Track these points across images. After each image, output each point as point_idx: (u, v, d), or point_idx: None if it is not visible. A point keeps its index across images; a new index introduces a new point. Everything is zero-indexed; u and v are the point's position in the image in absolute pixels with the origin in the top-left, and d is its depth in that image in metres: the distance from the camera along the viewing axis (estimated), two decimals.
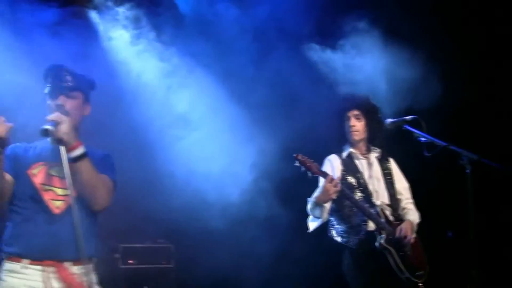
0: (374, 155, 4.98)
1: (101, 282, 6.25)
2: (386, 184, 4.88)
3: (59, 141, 2.89)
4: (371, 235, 4.60)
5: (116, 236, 6.39)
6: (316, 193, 4.60)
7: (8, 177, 3.02)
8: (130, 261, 6.46)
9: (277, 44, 6.19)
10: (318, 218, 4.63)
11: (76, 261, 3.09)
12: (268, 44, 6.21)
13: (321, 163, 4.87)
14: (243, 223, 6.38)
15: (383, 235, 4.55)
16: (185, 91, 6.22)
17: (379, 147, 5.01)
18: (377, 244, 4.55)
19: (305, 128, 5.98)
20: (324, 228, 4.83)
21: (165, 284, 6.44)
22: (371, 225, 4.63)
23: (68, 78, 3.08)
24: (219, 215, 6.23)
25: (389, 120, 4.67)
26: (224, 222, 6.26)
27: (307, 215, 4.73)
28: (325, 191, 4.45)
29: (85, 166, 2.96)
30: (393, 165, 5.05)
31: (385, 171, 4.94)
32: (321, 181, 4.59)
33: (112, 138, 5.48)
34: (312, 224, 4.72)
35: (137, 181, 6.07)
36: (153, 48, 6.12)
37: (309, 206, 4.67)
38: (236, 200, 6.20)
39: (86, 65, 4.38)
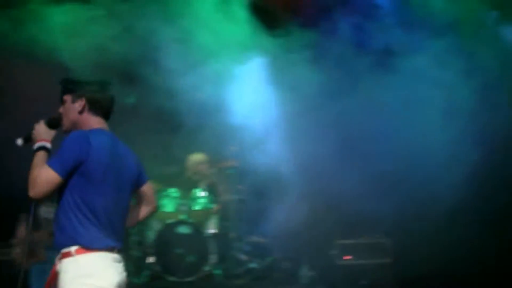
0: None
1: (318, 278, 6.48)
2: None
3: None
4: None
5: (332, 233, 6.52)
6: None
7: None
8: (347, 257, 6.51)
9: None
10: None
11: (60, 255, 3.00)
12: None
13: None
14: (463, 218, 6.10)
15: None
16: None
17: None
18: None
19: None
20: None
21: (382, 279, 6.39)
22: None
23: (60, 90, 3.20)
24: (441, 209, 6.04)
25: None
26: (446, 217, 6.06)
27: None
28: None
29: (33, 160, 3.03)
30: None
31: None
32: None
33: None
34: None
35: (354, 177, 6.15)
36: None
37: None
38: (461, 194, 5.94)
39: None
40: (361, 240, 6.66)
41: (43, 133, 3.12)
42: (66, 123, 3.17)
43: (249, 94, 6.73)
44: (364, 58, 6.36)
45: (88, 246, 2.91)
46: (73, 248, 2.91)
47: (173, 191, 6.99)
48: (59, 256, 2.98)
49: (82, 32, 5.98)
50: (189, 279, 6.37)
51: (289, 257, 6.77)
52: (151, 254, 6.52)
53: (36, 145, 3.08)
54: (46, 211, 4.82)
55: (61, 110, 3.20)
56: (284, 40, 6.38)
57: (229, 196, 7.14)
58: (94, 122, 3.14)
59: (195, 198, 6.98)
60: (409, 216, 6.12)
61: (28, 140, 3.18)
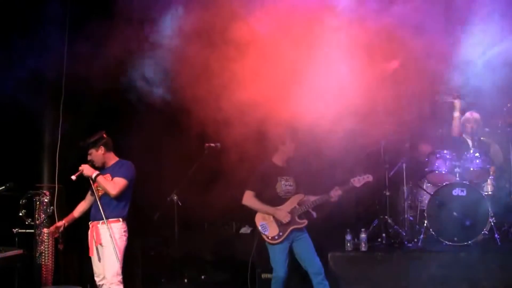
0: None
1: None
2: None
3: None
4: None
5: None
6: None
7: None
8: None
9: None
10: None
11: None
12: None
13: None
14: None
15: None
16: None
17: None
18: None
19: None
20: None
21: None
22: None
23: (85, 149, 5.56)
24: None
25: None
26: None
27: None
28: None
29: (98, 181, 5.35)
30: None
31: None
32: None
33: None
34: None
35: None
36: None
37: None
38: None
39: None
40: None
41: (92, 169, 5.36)
42: (98, 163, 5.43)
43: None
44: None
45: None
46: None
47: (446, 153, 6.87)
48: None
49: None
50: (466, 242, 6.22)
51: None
52: (425, 218, 6.55)
53: (95, 173, 5.32)
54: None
55: (89, 158, 5.44)
56: None
57: (506, 155, 6.79)
58: (114, 156, 5.51)
59: (469, 159, 6.71)
60: None
61: (80, 176, 5.30)
